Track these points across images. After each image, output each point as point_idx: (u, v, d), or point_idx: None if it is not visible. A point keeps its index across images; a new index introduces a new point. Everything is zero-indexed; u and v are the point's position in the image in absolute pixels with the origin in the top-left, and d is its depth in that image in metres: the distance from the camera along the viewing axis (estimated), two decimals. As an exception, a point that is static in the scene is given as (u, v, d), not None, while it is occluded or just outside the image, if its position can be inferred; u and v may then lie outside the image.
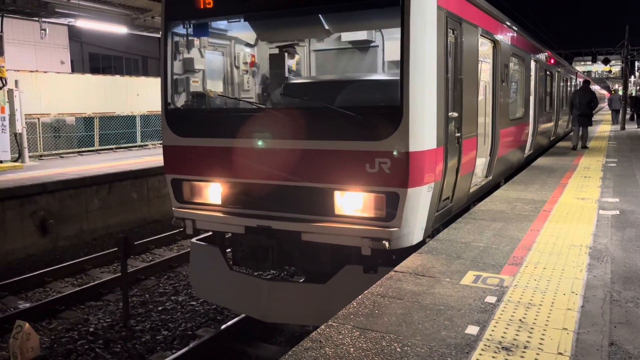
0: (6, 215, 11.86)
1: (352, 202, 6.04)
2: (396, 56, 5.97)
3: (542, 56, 15.74)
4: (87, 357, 7.80)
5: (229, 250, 7.45)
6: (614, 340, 3.88)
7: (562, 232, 6.91)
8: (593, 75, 61.78)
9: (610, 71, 66.94)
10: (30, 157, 17.01)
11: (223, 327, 8.30)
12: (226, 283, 7.19)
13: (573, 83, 27.39)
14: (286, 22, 7.45)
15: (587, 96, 17.46)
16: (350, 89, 6.66)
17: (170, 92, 7.15)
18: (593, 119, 17.69)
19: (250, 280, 7.11)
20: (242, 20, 7.22)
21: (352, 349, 3.72)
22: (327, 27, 7.52)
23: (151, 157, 17.50)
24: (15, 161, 16.41)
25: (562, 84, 21.54)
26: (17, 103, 16.35)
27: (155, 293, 10.21)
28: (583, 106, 17.34)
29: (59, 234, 12.84)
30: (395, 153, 5.66)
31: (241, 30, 8.18)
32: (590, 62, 62.78)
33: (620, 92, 37.32)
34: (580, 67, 57.44)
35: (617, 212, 8.06)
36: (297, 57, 8.21)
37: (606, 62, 48.07)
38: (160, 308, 9.43)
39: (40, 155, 18.30)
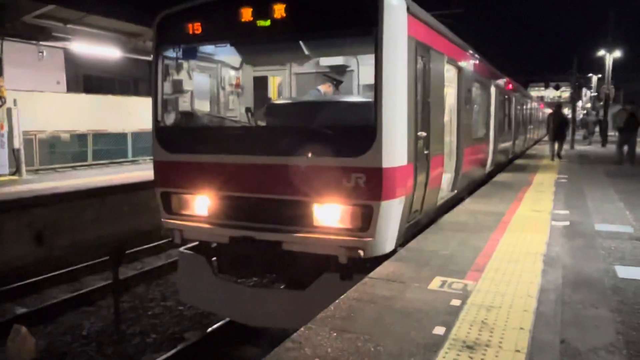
0: (4, 226, 11.62)
1: (330, 214, 6.05)
2: (370, 80, 6.02)
3: (501, 82, 16.04)
4: (81, 359, 7.67)
5: (215, 258, 7.35)
6: (565, 338, 3.97)
7: (519, 241, 7.02)
8: (545, 99, 63.03)
9: (560, 96, 68.34)
10: (27, 171, 16.72)
11: (209, 330, 8.24)
12: (212, 289, 7.12)
13: (529, 106, 27.88)
14: (269, 48, 7.48)
15: (558, 118, 19.88)
16: (329, 110, 6.69)
17: (160, 111, 7.08)
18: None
19: (234, 286, 7.05)
20: (228, 45, 7.24)
21: (329, 350, 3.75)
22: (307, 53, 7.57)
23: (142, 171, 17.31)
24: (13, 175, 16.13)
25: (519, 107, 21.95)
26: (15, 120, 16.09)
27: (145, 299, 10.09)
28: (556, 126, 19.74)
29: (54, 243, 12.62)
30: (369, 169, 5.70)
31: (227, 55, 8.15)
32: (543, 88, 63.98)
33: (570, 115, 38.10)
34: (534, 92, 58.51)
35: (568, 223, 8.22)
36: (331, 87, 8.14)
37: (557, 88, 49.13)
38: (149, 313, 9.32)
39: (37, 170, 17.97)
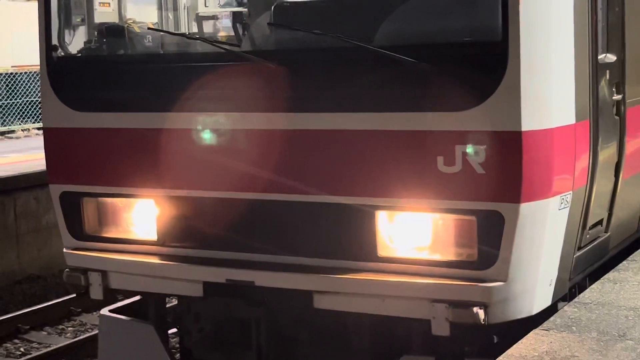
0: None
1: (411, 233, 4.10)
2: None
3: None
4: None
5: (174, 330, 5.20)
6: None
7: None
8: None
9: None
10: None
11: None
12: None
13: None
14: None
15: None
16: (401, 13, 4.28)
17: (57, 26, 4.76)
18: None
19: None
20: None
21: None
22: None
23: (24, 154, 10.87)
24: None
25: None
26: None
27: None
28: None
29: None
30: (494, 135, 3.72)
31: None
32: None
33: None
34: None
35: None
36: None
37: None
38: None
39: None
